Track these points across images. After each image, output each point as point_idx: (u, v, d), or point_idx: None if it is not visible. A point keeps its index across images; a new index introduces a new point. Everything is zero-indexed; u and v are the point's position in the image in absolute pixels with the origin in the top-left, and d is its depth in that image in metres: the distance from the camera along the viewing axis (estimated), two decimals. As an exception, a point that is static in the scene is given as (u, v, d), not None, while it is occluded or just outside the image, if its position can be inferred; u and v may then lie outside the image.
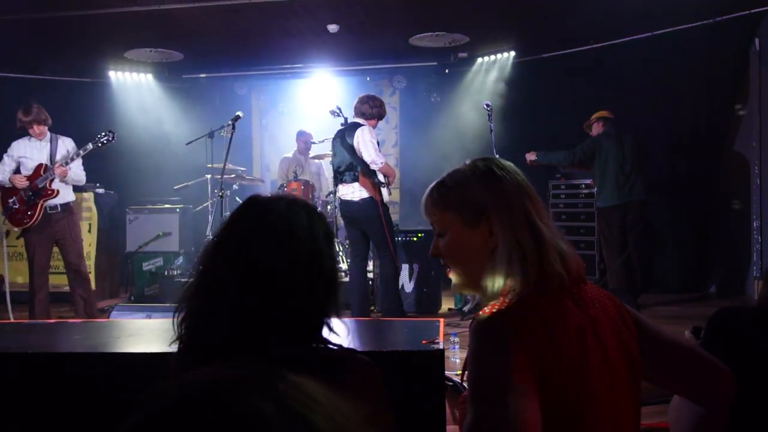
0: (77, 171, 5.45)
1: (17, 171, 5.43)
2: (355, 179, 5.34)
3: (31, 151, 5.41)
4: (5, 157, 5.44)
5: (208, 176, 7.21)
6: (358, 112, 5.52)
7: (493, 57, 7.86)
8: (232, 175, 7.10)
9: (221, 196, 4.80)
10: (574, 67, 7.38)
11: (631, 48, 6.93)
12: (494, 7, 6.18)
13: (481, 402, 1.18)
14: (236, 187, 7.36)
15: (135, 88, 8.39)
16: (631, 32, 6.80)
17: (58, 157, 5.40)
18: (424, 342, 2.86)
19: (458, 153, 7.47)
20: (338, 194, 5.50)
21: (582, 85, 7.27)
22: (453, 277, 1.43)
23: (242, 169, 7.56)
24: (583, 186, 7.22)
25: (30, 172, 5.36)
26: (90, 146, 5.29)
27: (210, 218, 7.14)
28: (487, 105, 4.85)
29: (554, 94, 7.46)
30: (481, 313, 1.28)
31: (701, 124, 6.97)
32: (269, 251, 1.24)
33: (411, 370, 2.68)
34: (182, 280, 6.66)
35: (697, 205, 7.04)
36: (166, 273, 6.90)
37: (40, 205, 5.27)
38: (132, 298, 6.90)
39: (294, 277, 1.23)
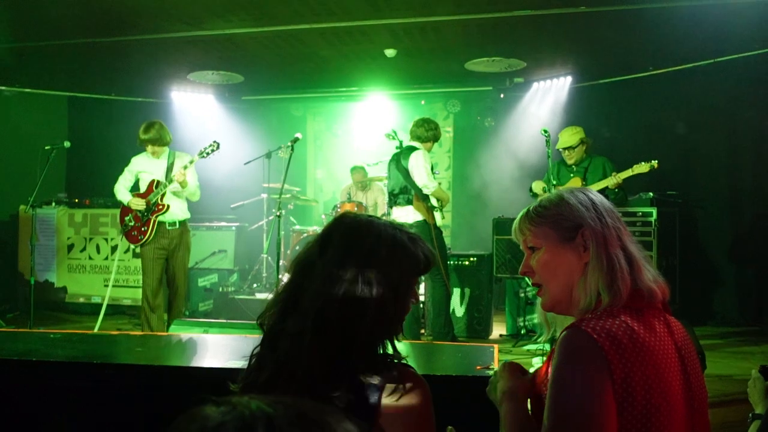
0: (193, 186, 5.34)
1: (136, 186, 5.44)
2: (409, 202, 5.39)
3: (150, 167, 5.37)
4: (126, 171, 5.43)
5: (264, 196, 7.36)
6: (414, 136, 5.57)
7: (549, 82, 7.81)
8: (287, 195, 7.22)
9: (279, 216, 4.88)
10: (632, 94, 7.28)
11: (692, 75, 6.80)
12: (551, 32, 6.16)
13: (557, 421, 1.22)
14: (291, 207, 7.49)
15: (196, 109, 8.65)
16: (692, 59, 6.67)
17: (174, 171, 5.26)
18: (477, 368, 2.84)
19: (512, 178, 7.46)
20: (392, 217, 5.52)
21: (640, 112, 7.16)
22: (542, 296, 1.47)
23: (297, 189, 7.69)
24: (640, 214, 7.05)
25: (144, 190, 5.33)
26: (196, 157, 5.24)
27: (265, 237, 7.28)
28: (545, 131, 4.81)
29: (612, 121, 7.36)
30: (574, 324, 1.31)
31: (764, 151, 6.75)
32: (349, 268, 1.31)
33: (464, 396, 2.66)
34: (236, 297, 6.79)
35: (759, 235, 6.80)
36: (220, 289, 7.03)
37: (152, 221, 5.20)
38: (187, 313, 7.05)
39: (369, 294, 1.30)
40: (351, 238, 1.36)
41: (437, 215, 5.43)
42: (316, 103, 8.94)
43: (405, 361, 1.35)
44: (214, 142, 5.30)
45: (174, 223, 5.28)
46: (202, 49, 6.73)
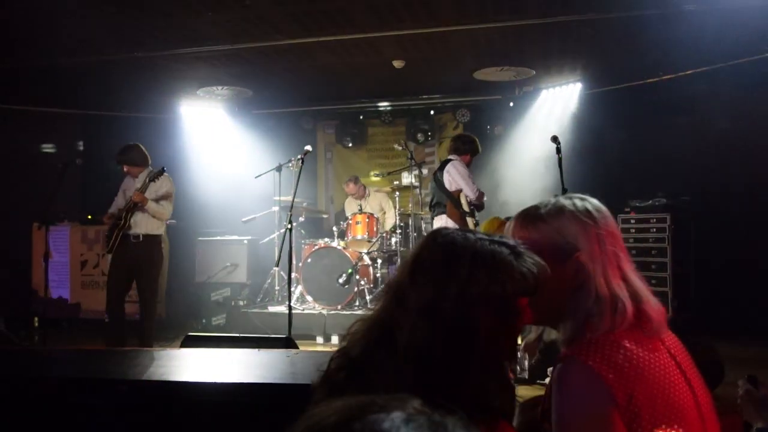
0: (153, 206, 5.60)
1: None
2: (444, 211, 5.83)
3: (129, 185, 5.77)
4: (119, 190, 5.87)
5: (276, 209, 7.36)
6: (452, 149, 6.03)
7: (558, 89, 7.78)
8: (298, 208, 7.23)
9: (290, 229, 4.88)
10: (643, 99, 7.23)
11: (705, 78, 6.74)
12: (560, 40, 6.15)
13: None
14: (302, 219, 7.47)
15: (205, 124, 8.68)
16: (704, 63, 6.62)
17: (150, 192, 5.61)
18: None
19: (523, 186, 7.42)
20: (433, 227, 5.97)
21: (652, 117, 7.10)
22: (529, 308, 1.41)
23: (308, 201, 7.69)
24: (654, 220, 6.99)
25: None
26: (147, 182, 5.54)
27: (276, 250, 7.28)
28: (555, 139, 4.78)
29: (623, 127, 7.31)
30: (567, 355, 1.25)
31: None
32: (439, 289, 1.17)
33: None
34: (248, 311, 6.79)
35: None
36: (233, 303, 7.03)
37: (114, 235, 5.56)
38: (199, 327, 7.06)
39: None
40: (445, 262, 1.19)
41: (470, 221, 5.76)
42: (325, 115, 8.95)
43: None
44: (162, 168, 5.61)
45: (137, 237, 5.60)
46: (212, 64, 6.76)
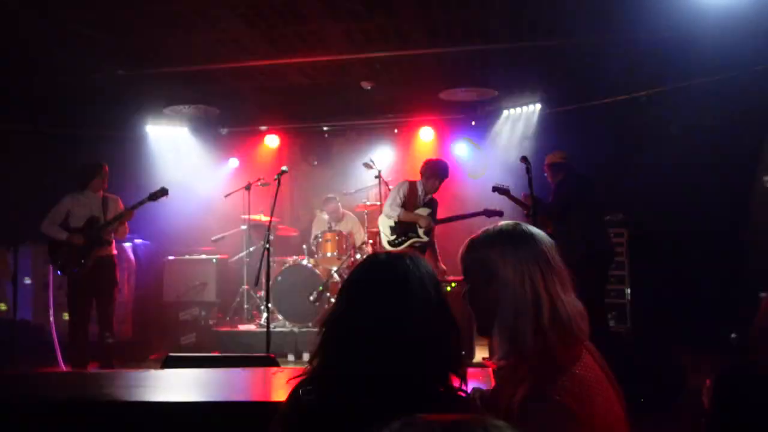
0: (125, 226, 5.73)
1: (65, 222, 5.68)
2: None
3: (80, 205, 5.70)
4: (53, 211, 5.67)
5: (244, 227, 7.38)
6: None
7: (519, 110, 8.04)
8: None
9: (268, 248, 4.96)
10: (600, 119, 7.51)
11: (658, 100, 7.05)
12: (525, 63, 6.36)
13: None
14: (272, 238, 7.48)
15: (172, 142, 8.61)
16: (657, 84, 6.93)
17: (110, 211, 5.68)
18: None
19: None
20: None
21: (609, 137, 7.39)
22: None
23: (277, 219, 7.72)
24: (612, 235, 7.22)
25: (80, 225, 5.64)
26: (146, 200, 5.55)
27: (245, 269, 7.29)
28: (525, 159, 4.84)
29: (581, 146, 7.57)
30: (536, 391, 1.31)
31: (726, 173, 6.91)
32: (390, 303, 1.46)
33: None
34: (218, 330, 6.78)
35: (721, 247, 6.91)
36: (202, 322, 7.01)
37: (93, 255, 5.52)
38: (168, 347, 6.99)
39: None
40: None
41: (383, 239, 6.03)
42: (291, 134, 9.01)
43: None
44: (164, 188, 5.66)
45: (104, 257, 5.64)
46: (178, 83, 6.77)
